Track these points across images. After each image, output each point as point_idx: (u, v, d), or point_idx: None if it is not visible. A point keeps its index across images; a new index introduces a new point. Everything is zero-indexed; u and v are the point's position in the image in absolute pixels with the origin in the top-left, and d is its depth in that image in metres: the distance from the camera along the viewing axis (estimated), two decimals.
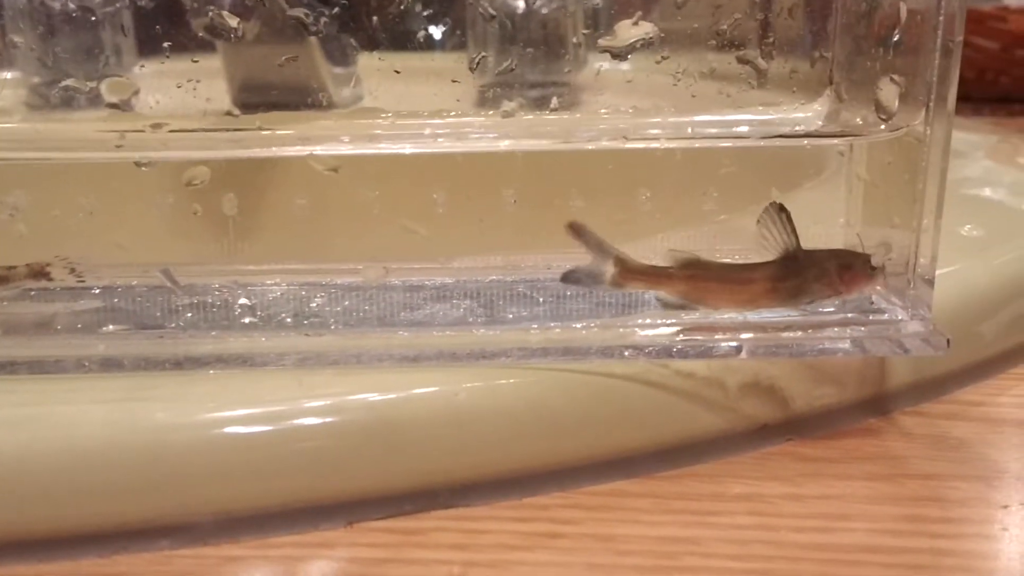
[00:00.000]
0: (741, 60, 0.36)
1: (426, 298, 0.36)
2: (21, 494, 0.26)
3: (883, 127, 0.35)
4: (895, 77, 0.33)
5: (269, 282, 0.37)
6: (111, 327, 0.33)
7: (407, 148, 0.37)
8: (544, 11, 0.39)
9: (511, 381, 0.30)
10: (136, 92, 0.35)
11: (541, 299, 0.36)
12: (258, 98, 0.36)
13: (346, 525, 0.28)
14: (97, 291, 0.36)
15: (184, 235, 0.37)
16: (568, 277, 0.33)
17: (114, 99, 0.34)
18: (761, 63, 0.36)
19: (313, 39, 0.36)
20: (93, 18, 0.36)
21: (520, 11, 0.38)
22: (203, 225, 0.37)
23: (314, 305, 0.35)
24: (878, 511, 0.28)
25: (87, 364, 0.31)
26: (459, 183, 0.37)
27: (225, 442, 0.28)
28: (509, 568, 0.25)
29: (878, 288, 0.34)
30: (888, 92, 0.33)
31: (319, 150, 0.34)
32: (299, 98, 0.36)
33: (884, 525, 0.27)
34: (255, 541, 0.27)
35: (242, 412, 0.28)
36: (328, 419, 0.28)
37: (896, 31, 0.34)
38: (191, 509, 0.27)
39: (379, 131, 0.37)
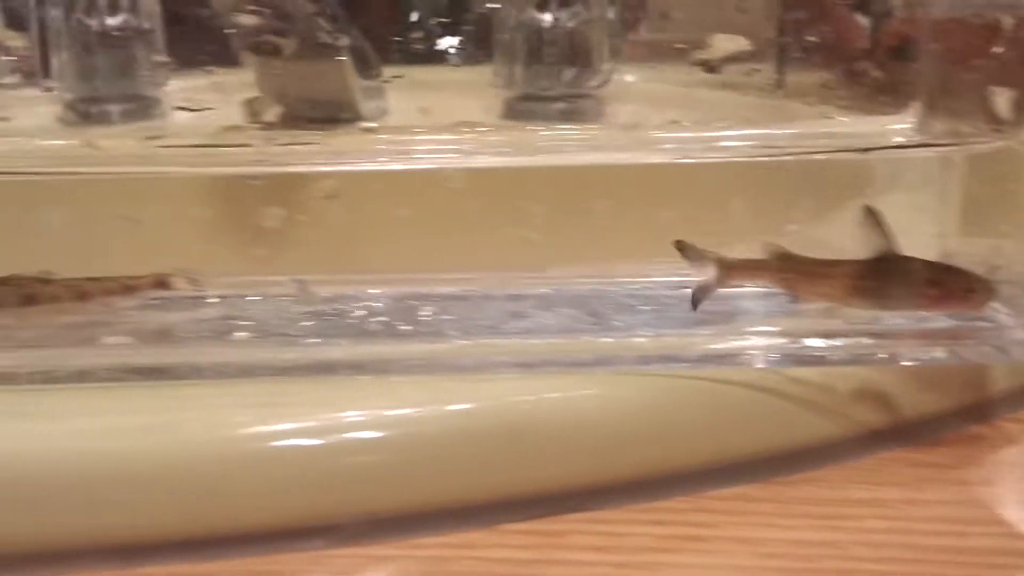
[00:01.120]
0: (851, 73, 0.36)
1: (531, 306, 0.37)
2: (183, 496, 0.27)
3: (987, 137, 0.35)
4: (1006, 87, 0.34)
5: (376, 291, 0.37)
6: (242, 334, 0.34)
7: (505, 160, 0.38)
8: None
9: (637, 388, 0.31)
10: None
11: (645, 307, 0.37)
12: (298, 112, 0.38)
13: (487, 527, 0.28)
14: (215, 300, 0.37)
15: (293, 246, 0.38)
16: (696, 301, 0.34)
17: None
18: (871, 73, 0.36)
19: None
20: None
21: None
22: (310, 236, 0.38)
23: (427, 314, 0.36)
24: (1007, 515, 0.28)
25: (223, 370, 0.32)
26: (558, 194, 0.38)
27: (373, 446, 0.28)
28: (659, 570, 0.26)
29: (974, 311, 0.34)
30: (1002, 101, 0.34)
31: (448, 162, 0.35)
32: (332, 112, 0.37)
33: (1018, 529, 0.28)
34: (402, 542, 0.28)
35: (388, 414, 0.29)
36: (468, 424, 0.29)
37: (998, 41, 0.35)
38: (342, 510, 0.28)
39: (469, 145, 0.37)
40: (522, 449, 0.29)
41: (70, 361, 0.32)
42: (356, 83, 0.38)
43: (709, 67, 0.41)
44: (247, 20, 0.37)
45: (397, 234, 0.37)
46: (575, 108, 0.41)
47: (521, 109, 0.40)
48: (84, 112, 0.41)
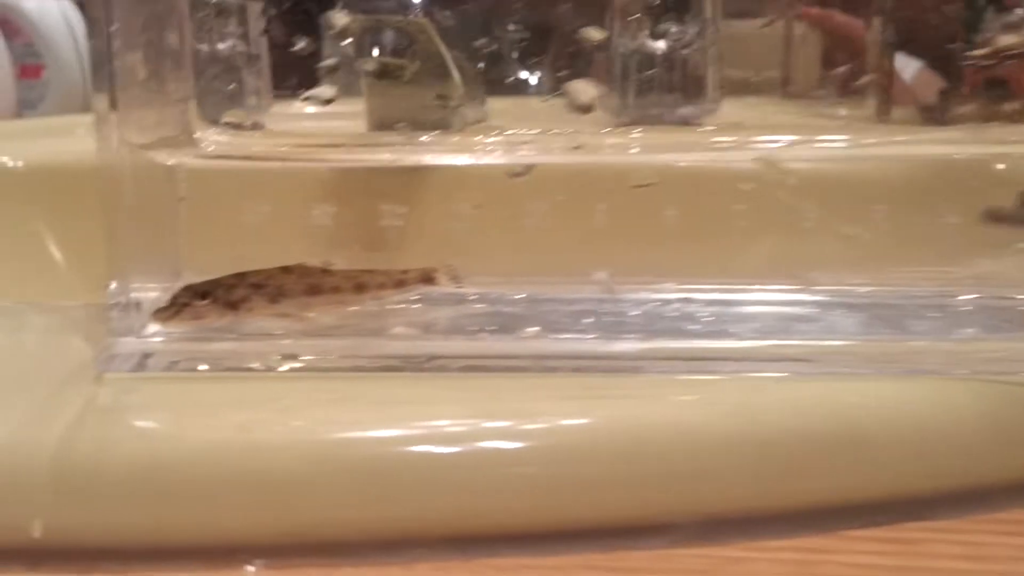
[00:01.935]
0: None
1: (818, 309, 0.35)
2: (518, 488, 0.26)
3: None
4: None
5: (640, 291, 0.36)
6: (534, 328, 0.33)
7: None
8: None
9: (974, 394, 0.29)
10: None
11: (935, 314, 0.35)
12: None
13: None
14: (474, 297, 0.36)
15: (551, 246, 0.37)
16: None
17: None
18: None
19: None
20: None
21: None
22: (562, 234, 0.37)
23: (708, 315, 0.35)
24: None
25: (537, 365, 0.31)
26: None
27: (715, 446, 0.27)
28: None
29: None
30: None
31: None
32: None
33: None
34: (747, 544, 0.26)
35: (730, 415, 0.27)
36: (812, 427, 0.27)
37: None
38: (681, 509, 0.27)
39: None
40: (863, 454, 0.28)
41: (381, 350, 0.31)
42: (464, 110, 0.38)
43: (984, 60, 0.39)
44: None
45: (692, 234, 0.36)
46: None
47: None
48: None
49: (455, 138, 0.36)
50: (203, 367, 0.30)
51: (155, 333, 0.31)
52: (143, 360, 0.30)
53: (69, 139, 0.50)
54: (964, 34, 0.36)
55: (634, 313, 0.34)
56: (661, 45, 0.39)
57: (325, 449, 0.26)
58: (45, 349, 0.32)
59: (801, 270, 0.35)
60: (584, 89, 0.35)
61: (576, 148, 0.34)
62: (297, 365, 0.30)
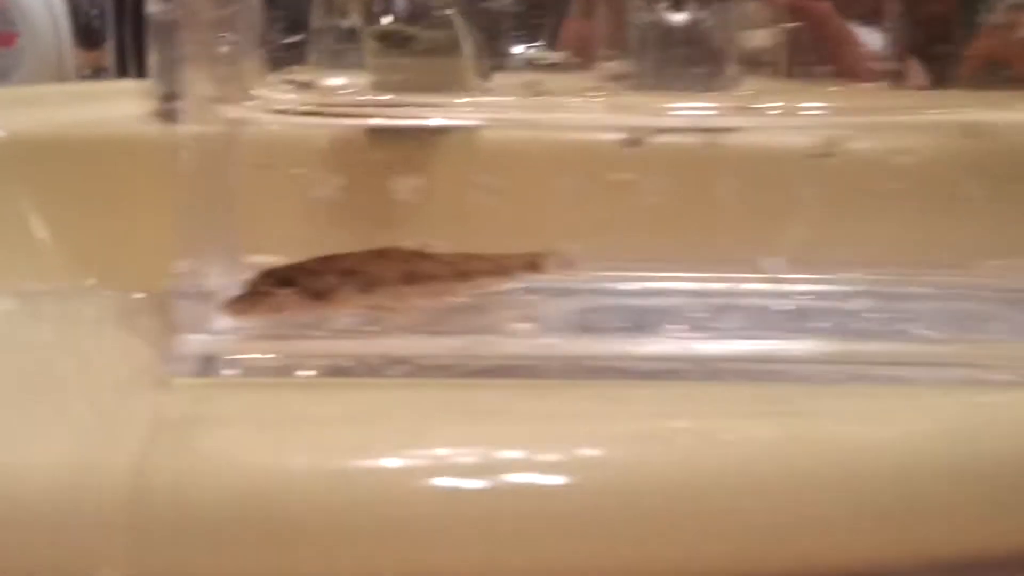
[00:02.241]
0: None
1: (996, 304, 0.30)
2: (720, 530, 0.21)
3: None
4: None
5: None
6: (678, 326, 0.28)
7: None
8: None
9: None
10: None
11: None
12: None
13: None
14: (590, 286, 0.31)
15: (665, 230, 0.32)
16: None
17: None
18: None
19: None
20: None
21: None
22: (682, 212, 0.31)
23: (872, 309, 0.30)
24: None
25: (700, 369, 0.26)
26: None
27: (940, 472, 0.22)
28: None
29: None
30: None
31: None
32: None
33: None
34: None
35: None
36: None
37: None
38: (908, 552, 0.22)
39: None
40: None
41: (498, 349, 0.26)
42: (474, 81, 0.33)
43: None
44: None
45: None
46: None
47: None
48: None
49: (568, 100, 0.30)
50: (303, 372, 0.24)
51: (229, 328, 0.26)
52: (218, 361, 0.25)
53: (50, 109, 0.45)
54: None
55: (782, 306, 0.29)
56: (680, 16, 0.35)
57: (462, 480, 0.21)
58: (100, 346, 0.26)
59: (966, 257, 0.30)
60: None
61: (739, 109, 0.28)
62: (405, 368, 0.25)
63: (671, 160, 0.31)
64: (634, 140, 0.32)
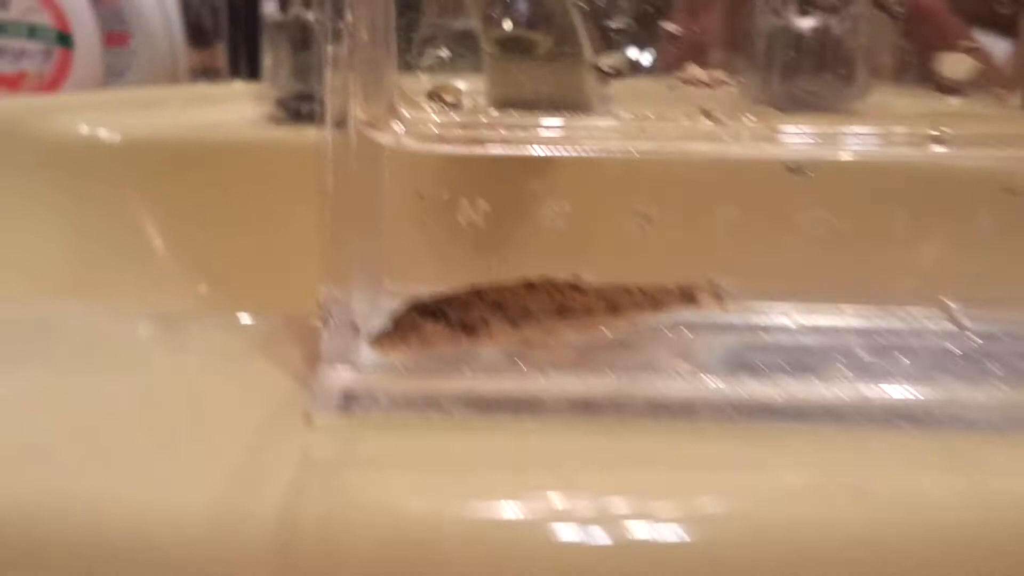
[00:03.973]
0: None
1: None
2: None
3: None
4: None
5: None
6: (846, 370, 0.25)
7: None
8: None
9: None
10: None
11: None
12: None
13: None
14: (749, 323, 0.29)
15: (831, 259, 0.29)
16: None
17: None
18: None
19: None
20: None
21: None
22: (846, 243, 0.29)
23: None
24: None
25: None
26: None
27: None
28: None
29: None
30: None
31: None
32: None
33: None
34: None
35: None
36: None
37: None
38: None
39: None
40: None
41: (660, 392, 0.24)
42: (594, 88, 0.31)
43: None
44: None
45: None
46: None
47: None
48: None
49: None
50: (452, 411, 0.23)
51: (375, 361, 0.25)
52: (365, 397, 0.24)
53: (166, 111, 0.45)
54: None
55: (958, 347, 0.27)
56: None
57: (619, 530, 0.19)
58: (232, 377, 0.25)
59: None
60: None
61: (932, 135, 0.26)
62: (556, 408, 0.24)
63: (836, 186, 0.29)
64: (795, 167, 0.30)
